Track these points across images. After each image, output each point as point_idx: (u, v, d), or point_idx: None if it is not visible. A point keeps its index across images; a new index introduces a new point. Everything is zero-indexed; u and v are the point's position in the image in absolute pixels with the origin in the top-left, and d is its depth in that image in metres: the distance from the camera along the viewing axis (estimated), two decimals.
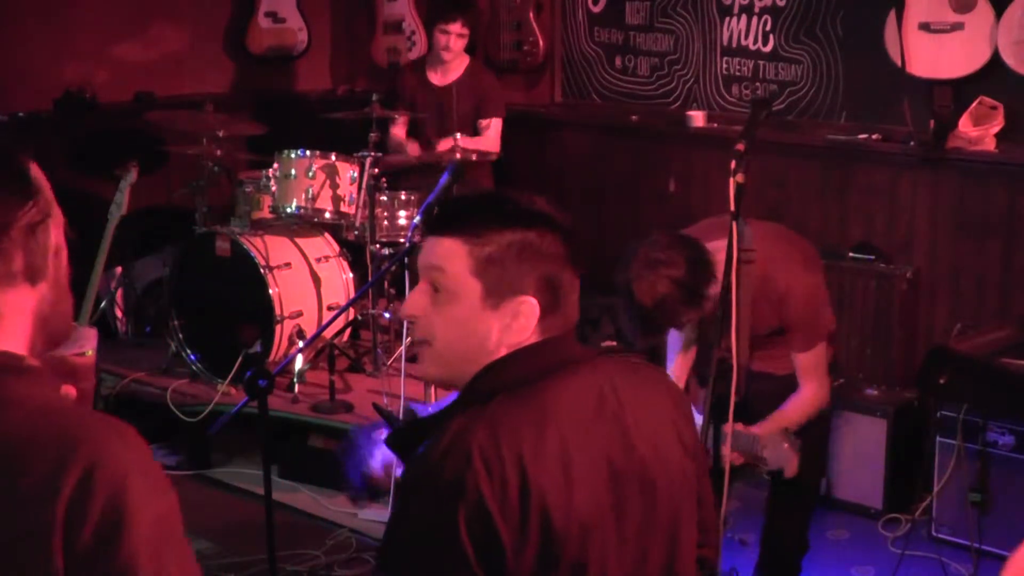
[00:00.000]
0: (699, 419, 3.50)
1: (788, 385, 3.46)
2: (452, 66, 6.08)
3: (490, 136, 6.03)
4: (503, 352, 1.76)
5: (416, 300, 1.80)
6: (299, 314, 5.22)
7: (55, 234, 1.49)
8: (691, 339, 3.68)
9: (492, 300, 1.75)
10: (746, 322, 3.26)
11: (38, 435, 1.36)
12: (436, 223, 1.81)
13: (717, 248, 3.18)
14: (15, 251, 1.45)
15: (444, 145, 5.71)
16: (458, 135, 5.56)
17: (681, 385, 3.67)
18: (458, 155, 5.35)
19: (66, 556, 1.30)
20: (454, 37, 5.95)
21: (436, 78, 6.10)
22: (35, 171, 1.49)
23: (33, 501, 1.31)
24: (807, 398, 3.43)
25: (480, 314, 1.76)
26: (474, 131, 6.01)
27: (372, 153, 5.34)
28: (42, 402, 1.41)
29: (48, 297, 1.49)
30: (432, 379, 1.89)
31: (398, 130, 6.05)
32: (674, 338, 3.71)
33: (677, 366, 3.69)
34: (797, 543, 3.63)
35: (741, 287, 3.20)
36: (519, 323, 1.75)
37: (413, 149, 6.04)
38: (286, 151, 5.37)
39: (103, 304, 5.85)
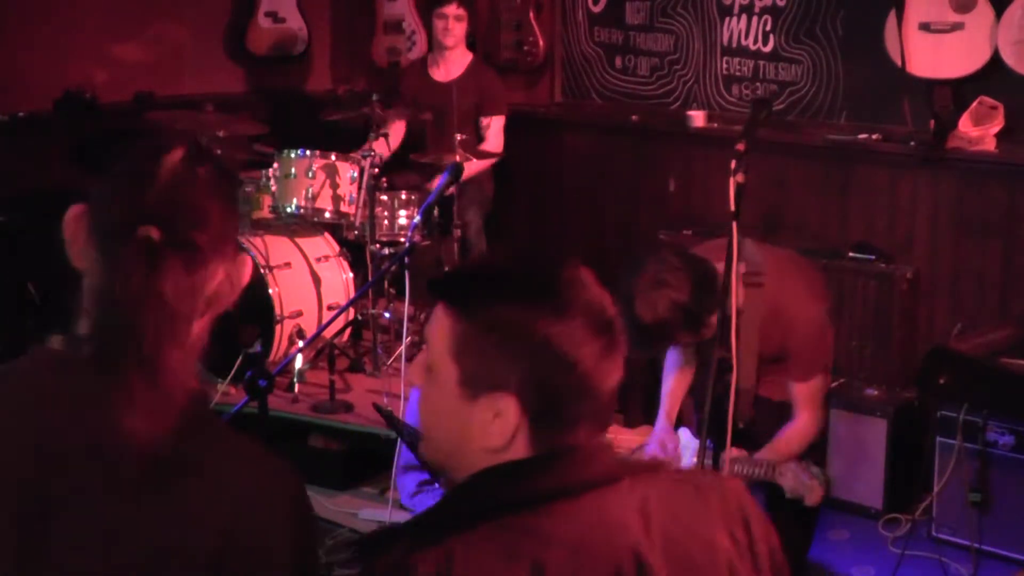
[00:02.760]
0: (695, 444, 3.48)
1: (784, 411, 3.44)
2: (453, 58, 6.04)
3: (491, 137, 6.00)
4: (484, 462, 1.39)
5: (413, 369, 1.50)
6: (299, 314, 5.22)
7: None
8: (691, 359, 3.66)
9: (469, 390, 1.39)
10: (753, 347, 3.24)
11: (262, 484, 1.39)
12: (432, 283, 1.47)
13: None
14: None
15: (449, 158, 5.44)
16: (458, 137, 5.54)
17: (676, 406, 3.64)
18: (458, 157, 5.33)
19: None
20: (452, 20, 5.93)
21: (438, 74, 6.09)
22: None
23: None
24: (800, 428, 3.39)
25: (457, 404, 1.39)
26: (476, 132, 6.00)
27: (372, 153, 5.34)
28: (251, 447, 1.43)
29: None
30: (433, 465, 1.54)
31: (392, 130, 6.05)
32: (673, 356, 3.68)
33: (674, 384, 3.67)
34: (794, 566, 3.60)
35: (748, 311, 3.18)
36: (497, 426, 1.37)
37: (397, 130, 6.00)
38: (286, 151, 5.37)
39: None
